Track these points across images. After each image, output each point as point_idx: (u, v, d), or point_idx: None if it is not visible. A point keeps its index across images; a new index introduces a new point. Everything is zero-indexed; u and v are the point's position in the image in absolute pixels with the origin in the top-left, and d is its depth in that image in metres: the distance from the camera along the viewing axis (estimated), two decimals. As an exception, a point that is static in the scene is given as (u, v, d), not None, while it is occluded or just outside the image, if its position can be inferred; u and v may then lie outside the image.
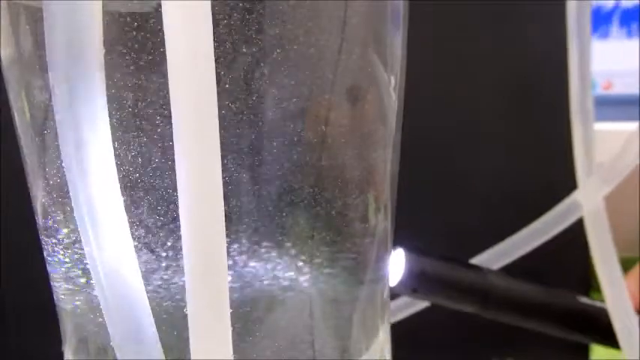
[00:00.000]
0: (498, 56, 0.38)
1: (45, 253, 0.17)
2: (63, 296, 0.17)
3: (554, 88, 0.32)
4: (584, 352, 0.39)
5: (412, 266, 0.29)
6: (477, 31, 0.38)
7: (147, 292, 0.13)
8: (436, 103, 0.38)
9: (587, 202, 0.29)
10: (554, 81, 0.32)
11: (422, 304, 0.32)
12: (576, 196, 0.29)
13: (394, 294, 0.31)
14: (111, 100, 0.12)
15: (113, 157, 0.12)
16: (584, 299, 0.32)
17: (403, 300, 0.32)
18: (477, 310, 0.31)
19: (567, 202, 0.30)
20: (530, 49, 0.38)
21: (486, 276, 0.30)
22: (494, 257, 0.31)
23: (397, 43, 0.18)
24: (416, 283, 0.30)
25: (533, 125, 0.39)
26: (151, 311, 0.13)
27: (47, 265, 0.17)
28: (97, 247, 0.13)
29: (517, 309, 0.31)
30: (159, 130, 0.15)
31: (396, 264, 0.29)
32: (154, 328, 0.13)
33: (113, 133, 0.12)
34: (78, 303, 0.17)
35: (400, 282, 0.29)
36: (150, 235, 0.16)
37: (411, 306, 0.32)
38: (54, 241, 0.17)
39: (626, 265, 0.30)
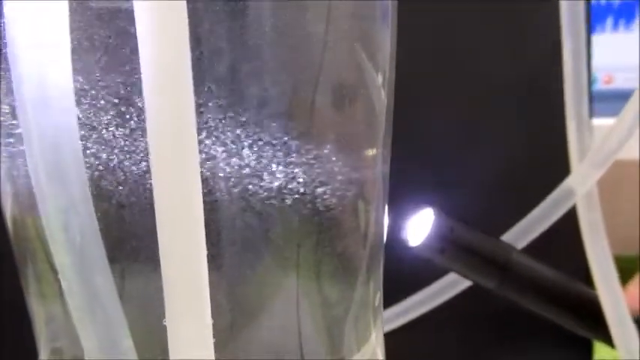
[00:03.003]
0: (497, 51, 0.38)
1: (17, 262, 0.17)
2: (36, 306, 0.17)
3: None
4: (588, 351, 0.39)
5: (441, 226, 0.29)
6: (476, 26, 0.38)
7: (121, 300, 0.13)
8: (434, 99, 0.37)
9: (580, 187, 0.28)
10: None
11: (417, 312, 0.32)
12: (569, 182, 0.29)
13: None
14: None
15: (83, 161, 0.12)
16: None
17: (397, 308, 0.32)
18: (495, 284, 0.30)
19: (561, 188, 0.29)
20: (529, 43, 0.38)
21: (509, 251, 0.30)
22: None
23: (386, 39, 0.18)
24: (444, 243, 0.29)
25: (532, 122, 0.38)
26: (126, 321, 0.13)
27: (20, 274, 0.17)
28: (68, 255, 0.12)
29: (534, 290, 0.31)
30: (135, 128, 0.15)
31: (422, 223, 0.29)
32: (129, 340, 0.13)
33: (82, 132, 0.12)
34: (51, 313, 0.17)
35: (428, 241, 0.29)
36: (124, 240, 0.15)
37: (406, 314, 0.32)
38: (24, 249, 0.16)
39: (626, 263, 0.29)
